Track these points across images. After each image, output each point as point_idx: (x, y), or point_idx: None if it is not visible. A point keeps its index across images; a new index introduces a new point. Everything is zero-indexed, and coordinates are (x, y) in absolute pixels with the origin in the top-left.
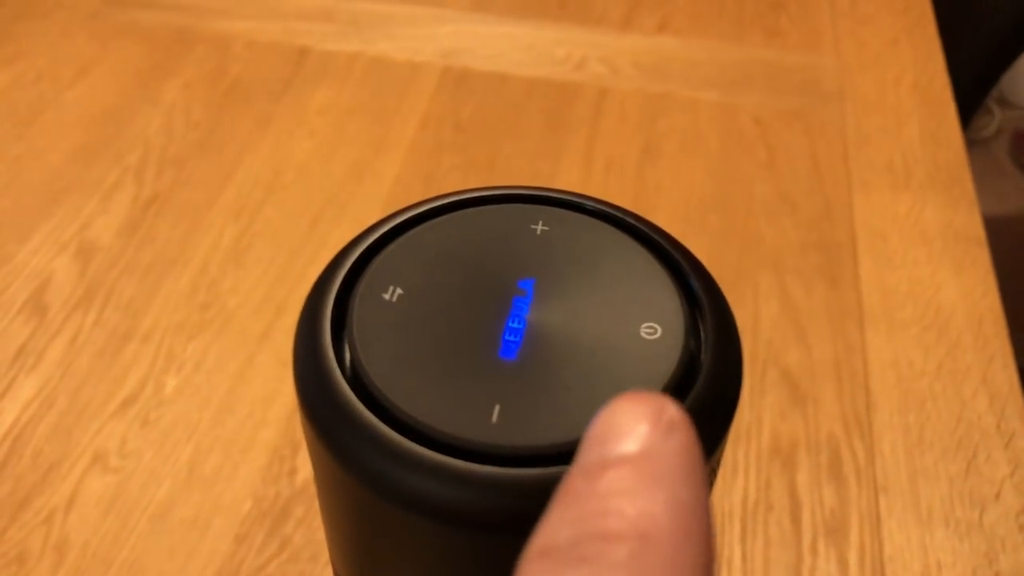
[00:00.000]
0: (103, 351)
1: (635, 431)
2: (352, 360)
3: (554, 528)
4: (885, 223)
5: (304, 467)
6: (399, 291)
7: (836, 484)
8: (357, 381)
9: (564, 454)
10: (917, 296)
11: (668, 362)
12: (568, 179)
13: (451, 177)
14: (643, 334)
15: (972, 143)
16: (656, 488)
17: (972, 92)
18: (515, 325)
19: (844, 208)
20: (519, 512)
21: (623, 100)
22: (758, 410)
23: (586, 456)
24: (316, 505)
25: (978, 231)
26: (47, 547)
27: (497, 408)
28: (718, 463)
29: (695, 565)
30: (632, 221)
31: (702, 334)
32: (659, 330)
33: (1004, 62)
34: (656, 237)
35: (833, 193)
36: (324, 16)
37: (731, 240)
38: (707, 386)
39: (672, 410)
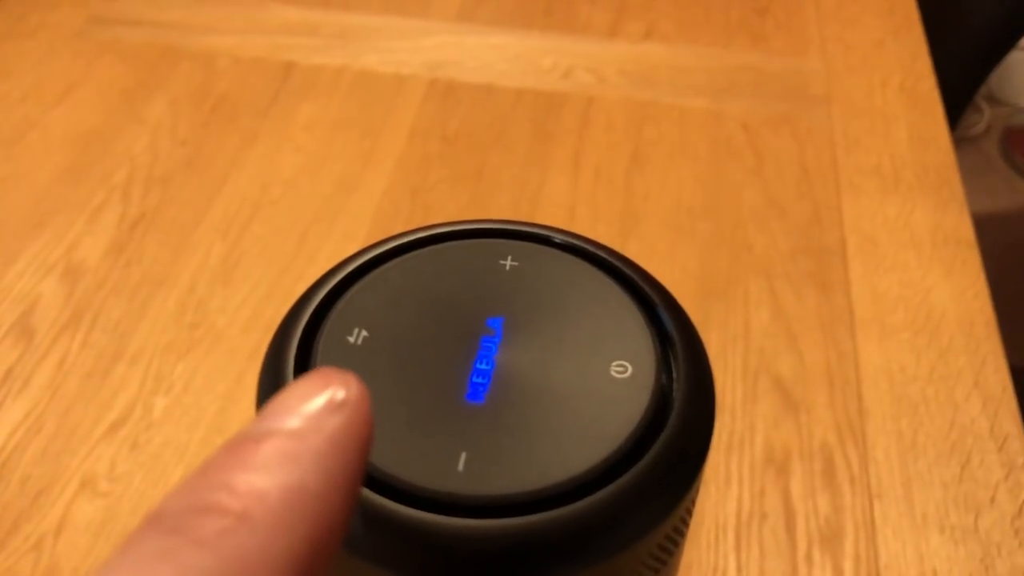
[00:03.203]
0: (91, 374)
1: (300, 408)
2: None
3: (174, 495)
4: (875, 227)
5: None
6: (364, 333)
7: (830, 492)
8: None
9: (532, 503)
10: (908, 300)
11: (639, 402)
12: (556, 189)
13: (439, 190)
14: (613, 373)
15: (962, 141)
16: (285, 469)
17: (961, 90)
18: (483, 367)
19: (833, 212)
20: (485, 565)
21: (610, 109)
22: (751, 419)
23: (249, 427)
24: None
25: (968, 233)
26: (36, 573)
27: (463, 456)
28: (694, 500)
29: (288, 556)
30: (603, 255)
31: (673, 370)
32: (629, 368)
33: (993, 60)
34: (627, 271)
35: (822, 198)
36: (309, 30)
37: (721, 247)
38: (679, 424)
39: (345, 391)
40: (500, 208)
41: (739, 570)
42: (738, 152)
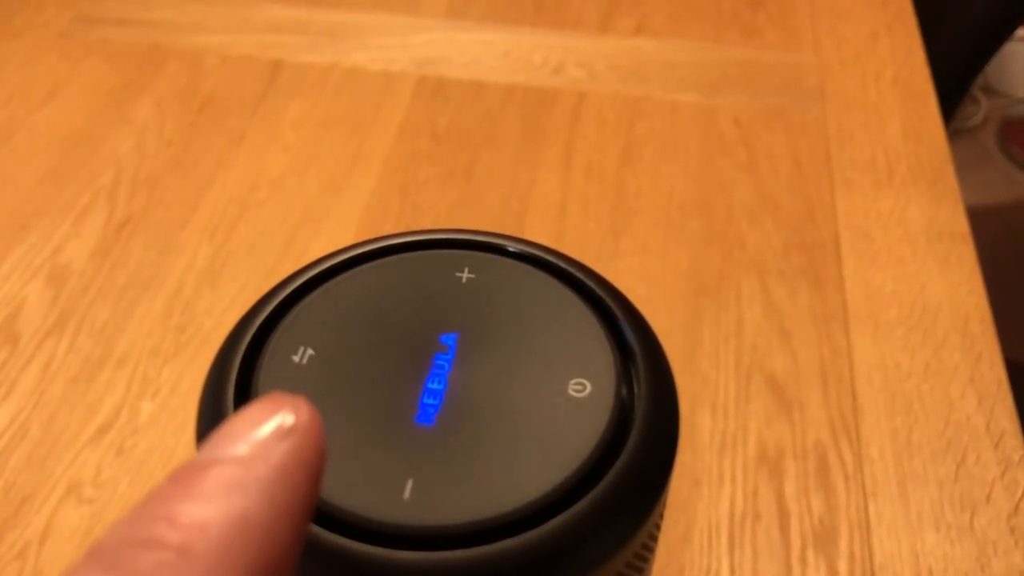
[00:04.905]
0: (77, 378)
1: (248, 434)
2: None
3: (114, 528)
4: (869, 222)
5: None
6: (310, 352)
7: (824, 491)
8: None
9: (483, 533)
10: (902, 296)
11: (598, 422)
12: (547, 186)
13: (428, 188)
14: (572, 392)
15: (959, 132)
16: (230, 498)
17: (957, 82)
18: (435, 386)
19: (827, 208)
20: None
21: (601, 104)
22: (743, 418)
23: (196, 456)
24: None
25: (962, 227)
26: None
27: (410, 483)
28: (658, 524)
29: None
30: (564, 265)
31: (635, 386)
32: (588, 386)
33: (989, 51)
34: (589, 282)
35: (815, 193)
36: (297, 28)
37: (713, 244)
38: (640, 444)
39: (295, 416)
40: (490, 206)
41: (732, 571)
42: (730, 147)
